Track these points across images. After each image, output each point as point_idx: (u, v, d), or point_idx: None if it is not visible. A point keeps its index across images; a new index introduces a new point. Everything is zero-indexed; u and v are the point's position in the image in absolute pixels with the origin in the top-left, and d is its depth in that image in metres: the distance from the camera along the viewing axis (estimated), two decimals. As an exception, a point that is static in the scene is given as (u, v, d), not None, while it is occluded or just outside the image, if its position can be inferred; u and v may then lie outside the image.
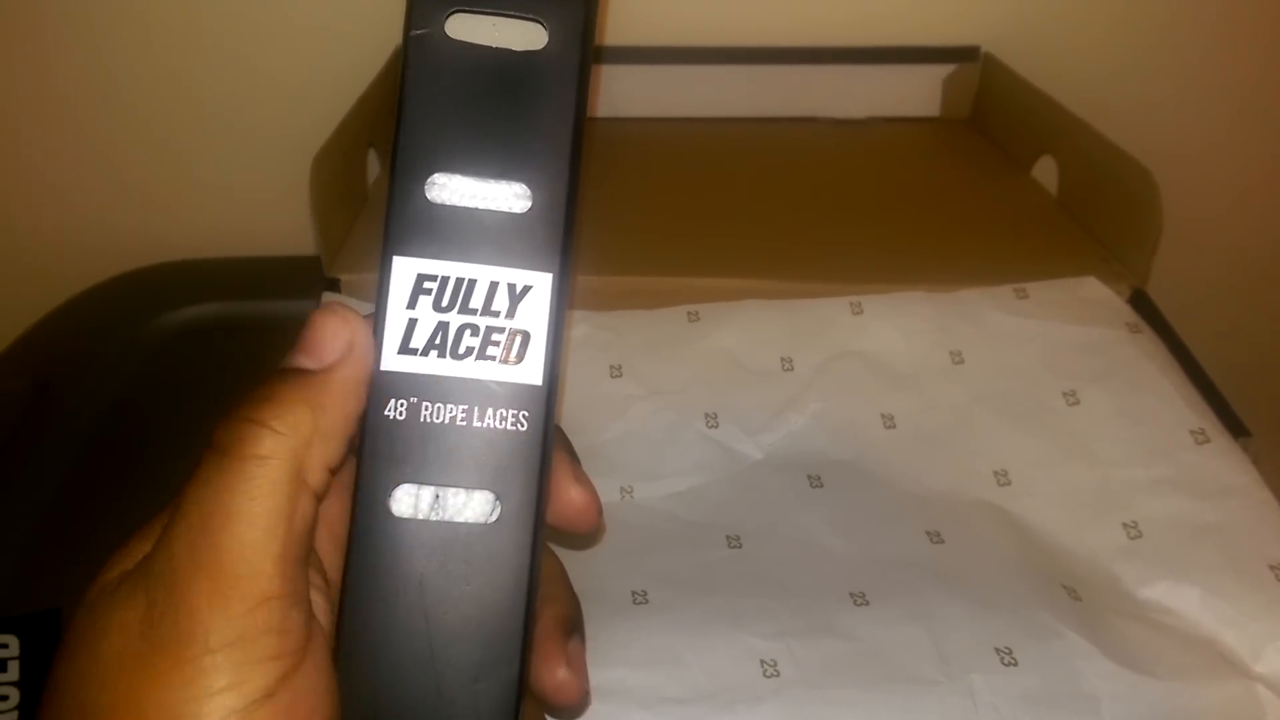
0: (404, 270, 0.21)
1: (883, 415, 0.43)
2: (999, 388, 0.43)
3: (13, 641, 0.38)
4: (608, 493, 0.40)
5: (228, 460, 0.19)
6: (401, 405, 0.21)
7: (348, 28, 0.59)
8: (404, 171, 0.21)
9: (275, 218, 0.60)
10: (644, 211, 0.53)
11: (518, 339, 0.21)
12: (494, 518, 0.21)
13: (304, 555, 0.20)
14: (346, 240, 0.49)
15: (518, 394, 0.21)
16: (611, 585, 0.35)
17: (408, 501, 0.21)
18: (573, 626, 0.23)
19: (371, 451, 0.21)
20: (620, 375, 0.44)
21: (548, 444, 0.21)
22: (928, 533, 0.38)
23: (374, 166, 0.55)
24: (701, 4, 0.60)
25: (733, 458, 0.41)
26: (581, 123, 0.21)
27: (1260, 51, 0.61)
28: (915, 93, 0.64)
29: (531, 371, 0.21)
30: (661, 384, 0.44)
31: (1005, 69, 0.60)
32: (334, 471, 0.20)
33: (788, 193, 0.56)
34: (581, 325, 0.45)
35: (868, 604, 0.34)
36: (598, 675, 0.31)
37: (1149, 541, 0.37)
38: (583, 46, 0.21)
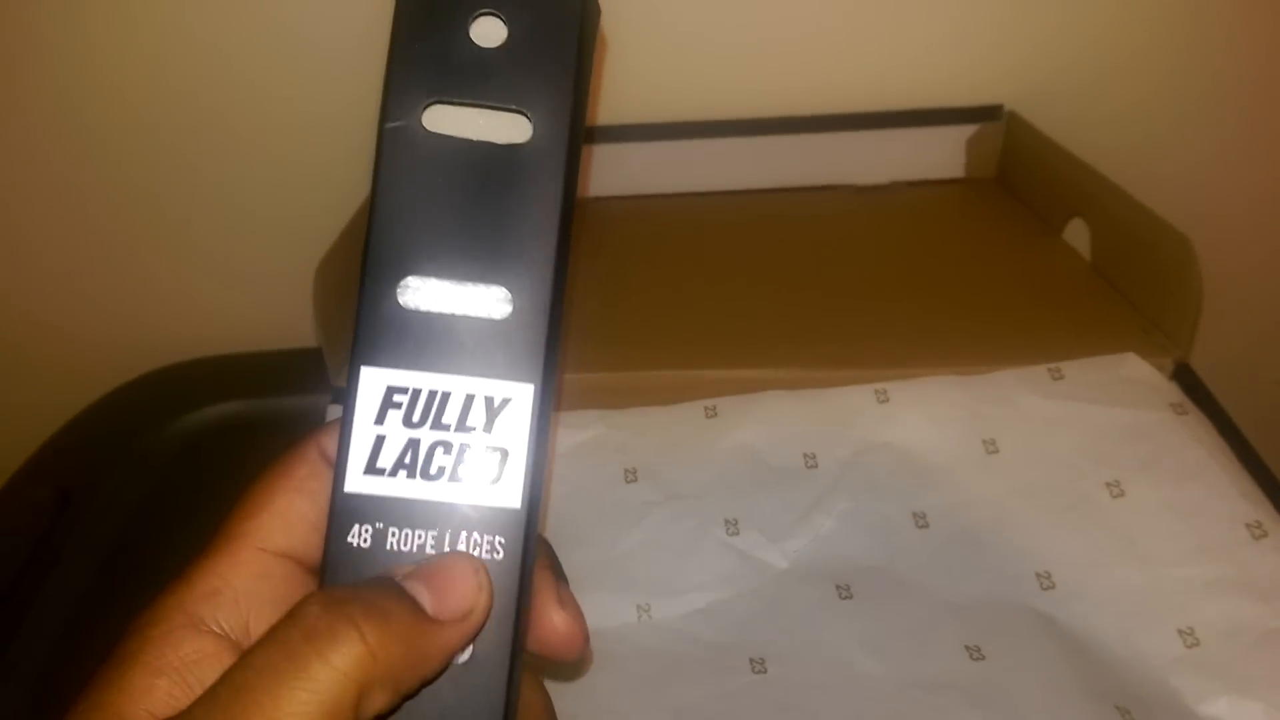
0: (372, 382, 0.19)
1: (914, 514, 0.40)
2: (1037, 480, 0.41)
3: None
4: (624, 612, 0.38)
5: (299, 650, 0.17)
6: (366, 531, 0.19)
7: (363, 117, 0.58)
8: (375, 274, 0.20)
9: (292, 309, 0.59)
10: (658, 298, 0.51)
11: (495, 457, 0.19)
12: (465, 657, 0.19)
13: None
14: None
15: (494, 518, 0.19)
16: (628, 723, 0.33)
17: None
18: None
19: (332, 584, 0.19)
20: (635, 480, 0.42)
21: (525, 574, 0.20)
22: (967, 647, 0.36)
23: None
24: (717, 75, 0.59)
25: (756, 568, 0.39)
26: (568, 222, 0.20)
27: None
28: (939, 155, 0.62)
29: (509, 494, 0.19)
30: (679, 488, 0.42)
31: (1030, 127, 0.58)
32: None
33: (809, 266, 0.54)
34: (595, 425, 0.44)
35: (903, 737, 0.32)
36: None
37: (1207, 650, 0.34)
38: (570, 140, 0.20)
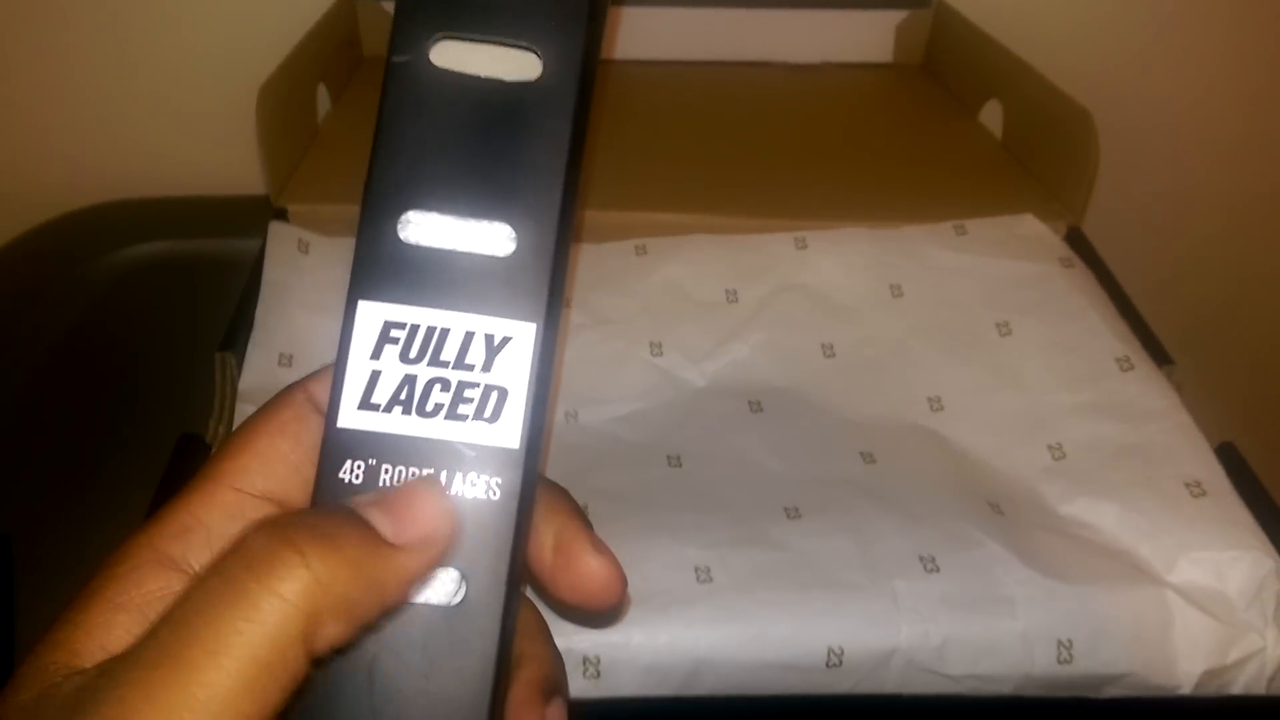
0: (369, 316, 0.19)
1: (823, 345, 0.44)
2: (936, 320, 0.44)
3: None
4: (553, 417, 0.41)
5: (239, 578, 0.16)
6: (359, 467, 0.19)
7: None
8: (375, 207, 0.19)
9: (224, 157, 0.60)
10: (594, 148, 0.53)
11: (493, 396, 0.19)
12: (458, 599, 0.18)
13: None
14: (295, 173, 0.49)
15: (491, 458, 0.19)
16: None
17: None
18: (553, 688, 0.20)
19: None
20: (567, 306, 0.45)
21: (523, 516, 0.19)
22: (861, 454, 0.39)
23: (324, 102, 0.55)
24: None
25: (676, 384, 0.42)
26: (577, 162, 0.20)
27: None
28: (869, 38, 0.65)
29: (508, 433, 0.19)
30: (608, 314, 0.44)
31: (957, 15, 0.61)
32: (335, 653, 0.17)
33: (739, 134, 0.57)
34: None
35: (800, 517, 0.36)
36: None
37: (1072, 462, 0.39)
38: (581, 79, 0.19)
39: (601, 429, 0.40)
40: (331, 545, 0.16)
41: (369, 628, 0.17)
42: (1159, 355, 0.42)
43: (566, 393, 0.42)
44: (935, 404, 0.42)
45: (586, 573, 0.20)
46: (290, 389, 0.20)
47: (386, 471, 0.19)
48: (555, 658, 0.21)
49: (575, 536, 0.20)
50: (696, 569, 0.33)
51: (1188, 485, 0.37)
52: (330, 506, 0.18)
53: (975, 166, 0.54)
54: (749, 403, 0.42)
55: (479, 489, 0.19)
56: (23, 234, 0.58)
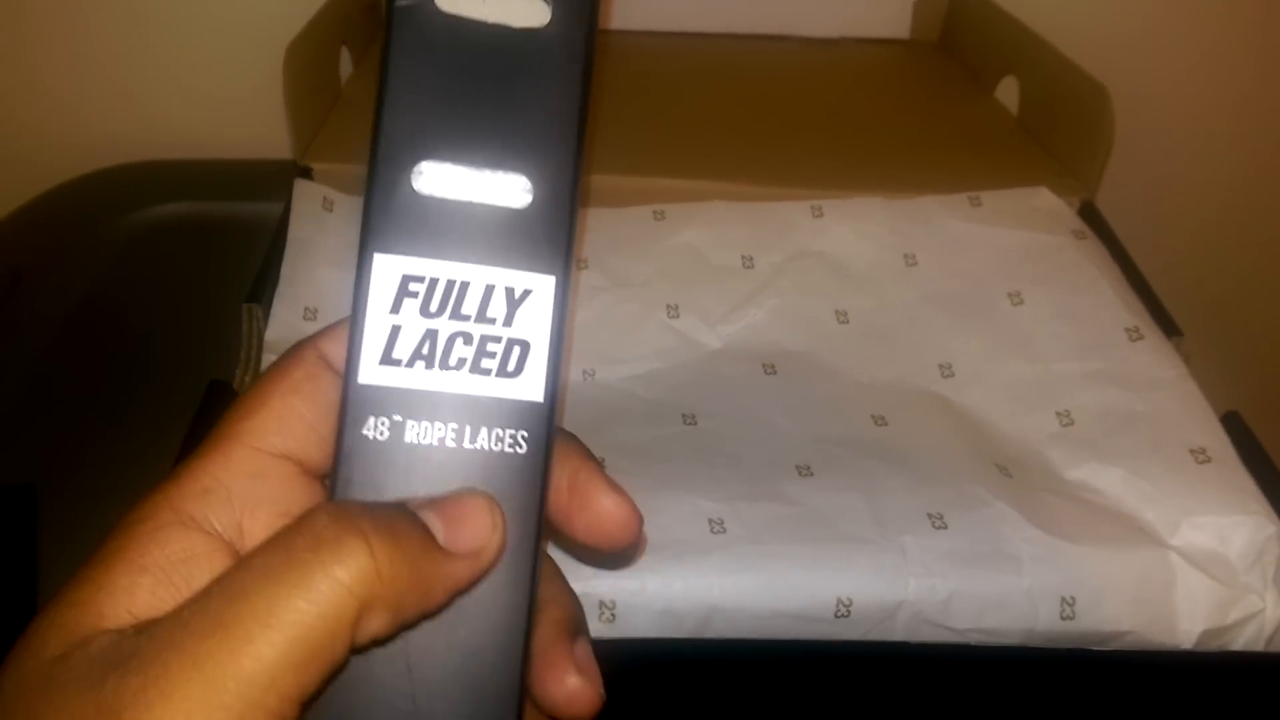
0: (387, 269, 0.18)
1: (837, 311, 0.45)
2: (948, 289, 0.45)
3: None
4: (570, 374, 0.41)
5: (301, 558, 0.16)
6: (383, 424, 0.18)
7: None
8: (387, 158, 0.19)
9: (248, 120, 0.60)
10: (614, 116, 0.53)
11: (516, 349, 0.19)
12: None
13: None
14: (319, 133, 0.50)
15: (515, 411, 0.19)
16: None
17: None
18: (577, 627, 0.21)
19: (346, 478, 0.18)
20: (586, 268, 0.45)
21: (547, 468, 0.19)
22: (872, 416, 0.40)
23: (346, 65, 0.56)
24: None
25: (692, 346, 0.43)
26: (586, 109, 0.19)
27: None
28: (886, 15, 0.65)
29: (531, 386, 0.19)
30: (626, 277, 0.45)
31: (974, -9, 0.61)
32: (373, 645, 0.17)
33: (756, 106, 0.57)
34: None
35: (812, 475, 0.37)
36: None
37: (1079, 428, 0.39)
38: (589, 23, 0.19)
39: (619, 386, 0.41)
40: (394, 539, 0.16)
41: (407, 626, 0.18)
42: (1168, 327, 0.42)
43: (585, 351, 0.42)
44: (946, 370, 0.42)
45: (603, 512, 0.20)
46: (300, 346, 0.20)
47: (412, 427, 0.18)
48: (574, 599, 0.22)
49: (590, 478, 0.20)
50: (710, 521, 0.34)
51: (1193, 452, 0.37)
52: (388, 503, 0.18)
53: (990, 142, 0.55)
54: (763, 365, 0.42)
55: (504, 442, 0.19)
56: (48, 191, 0.59)
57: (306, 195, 0.45)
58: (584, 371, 0.42)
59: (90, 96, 0.65)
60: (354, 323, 0.19)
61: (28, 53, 0.63)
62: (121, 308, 0.53)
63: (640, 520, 0.21)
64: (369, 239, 0.19)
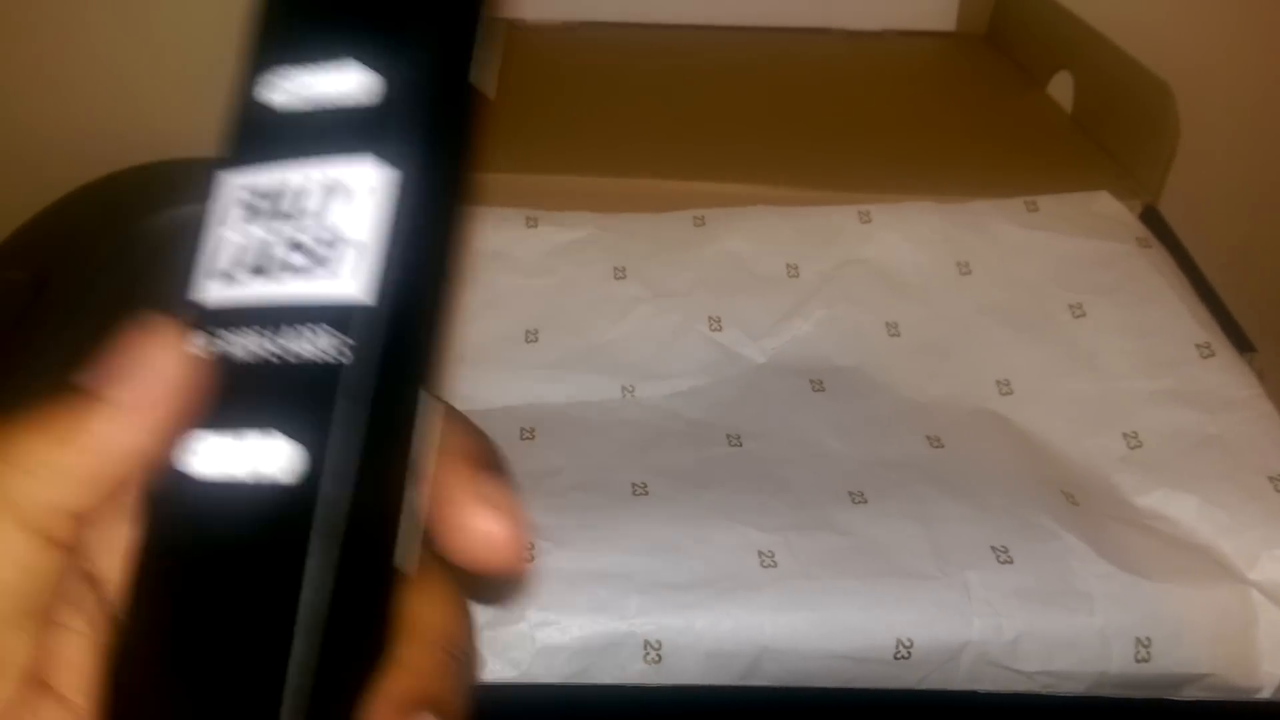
0: (225, 185, 0.18)
1: (887, 324, 0.42)
2: (1005, 299, 0.43)
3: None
4: (609, 390, 0.40)
5: None
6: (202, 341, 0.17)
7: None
8: (242, 73, 0.18)
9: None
10: (653, 115, 0.52)
11: (349, 250, 0.17)
12: (290, 478, 0.16)
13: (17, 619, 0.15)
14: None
15: (342, 316, 0.17)
16: (612, 477, 0.35)
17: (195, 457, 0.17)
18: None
19: None
20: (624, 277, 0.43)
21: (388, 387, 0.17)
22: (928, 437, 0.38)
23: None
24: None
25: (735, 361, 0.41)
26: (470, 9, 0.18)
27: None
28: (931, 6, 0.62)
29: (356, 286, 0.17)
30: (666, 287, 0.43)
31: (1024, -18, 0.59)
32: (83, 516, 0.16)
33: (799, 102, 0.55)
34: (586, 226, 0.45)
35: (865, 502, 0.35)
36: (598, 560, 0.32)
37: (1149, 451, 0.37)
38: None
39: (660, 405, 0.39)
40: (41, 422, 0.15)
41: (113, 498, 0.16)
42: (1240, 342, 0.40)
43: (623, 366, 0.40)
44: (1004, 387, 0.40)
45: (468, 526, 0.16)
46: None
47: (231, 342, 0.17)
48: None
49: (457, 482, 0.17)
50: (760, 553, 0.32)
51: (1271, 479, 0.35)
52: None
53: (1043, 141, 0.52)
54: (810, 381, 0.40)
55: (330, 350, 0.16)
56: (69, 194, 0.58)
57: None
58: (623, 388, 0.40)
59: (109, 97, 0.63)
60: (197, 241, 0.18)
61: (48, 57, 0.62)
62: (146, 310, 0.51)
63: (518, 543, 0.16)
64: (216, 164, 0.18)
